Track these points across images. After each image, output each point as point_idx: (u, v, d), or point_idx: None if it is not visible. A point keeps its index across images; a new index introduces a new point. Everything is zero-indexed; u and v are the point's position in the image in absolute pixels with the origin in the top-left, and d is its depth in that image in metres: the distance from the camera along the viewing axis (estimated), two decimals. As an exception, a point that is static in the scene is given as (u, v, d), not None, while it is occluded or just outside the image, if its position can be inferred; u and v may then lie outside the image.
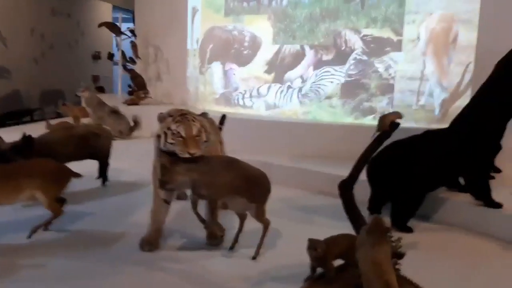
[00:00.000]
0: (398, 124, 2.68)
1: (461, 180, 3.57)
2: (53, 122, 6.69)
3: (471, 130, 3.28)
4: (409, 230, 3.25)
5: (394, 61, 5.14)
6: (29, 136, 3.60)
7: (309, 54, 5.63)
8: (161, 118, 2.60)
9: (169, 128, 2.53)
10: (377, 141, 2.71)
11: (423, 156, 3.28)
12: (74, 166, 3.45)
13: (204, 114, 2.72)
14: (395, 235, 2.18)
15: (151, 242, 2.85)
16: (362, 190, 3.07)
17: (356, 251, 1.86)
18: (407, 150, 3.34)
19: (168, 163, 2.45)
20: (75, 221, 3.31)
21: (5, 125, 7.30)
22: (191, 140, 2.49)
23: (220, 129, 3.85)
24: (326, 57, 5.50)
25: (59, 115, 7.76)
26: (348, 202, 2.49)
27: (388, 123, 2.64)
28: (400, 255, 1.96)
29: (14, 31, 8.71)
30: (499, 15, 4.51)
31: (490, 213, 3.29)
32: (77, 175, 3.21)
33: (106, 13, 12.03)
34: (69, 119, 6.86)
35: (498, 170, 4.05)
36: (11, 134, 4.11)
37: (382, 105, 5.20)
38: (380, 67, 5.21)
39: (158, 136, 2.57)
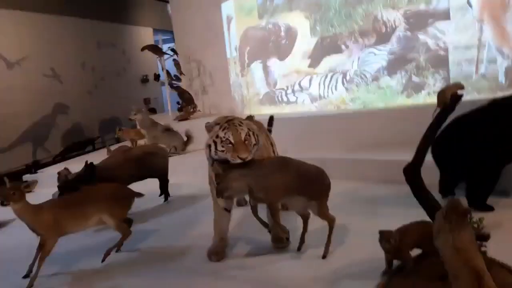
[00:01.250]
0: (460, 96, 2.45)
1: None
2: (113, 147, 7.02)
3: None
4: (490, 208, 2.98)
5: (443, 31, 4.79)
6: (91, 164, 3.76)
7: (350, 39, 5.42)
8: (209, 128, 2.58)
9: (217, 136, 2.51)
10: (440, 117, 2.49)
11: (494, 127, 2.99)
12: (137, 186, 3.57)
13: (250, 118, 2.68)
14: (476, 215, 1.99)
15: (217, 252, 2.85)
16: (429, 173, 2.85)
17: (434, 238, 1.70)
18: (475, 123, 3.06)
19: (222, 170, 2.42)
20: (144, 239, 3.40)
21: (70, 156, 7.77)
22: (241, 145, 2.45)
23: (270, 131, 3.79)
24: (368, 40, 5.26)
25: (118, 141, 8.12)
26: (417, 187, 2.31)
27: (449, 96, 2.42)
28: (484, 237, 1.77)
29: (67, 68, 9.28)
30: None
31: None
32: (139, 195, 3.29)
33: (147, 37, 12.48)
34: (128, 143, 7.15)
35: None
36: (77, 165, 4.35)
37: (437, 78, 4.86)
38: (427, 39, 4.88)
39: (209, 146, 2.56)
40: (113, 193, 3.06)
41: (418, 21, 4.90)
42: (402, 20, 4.99)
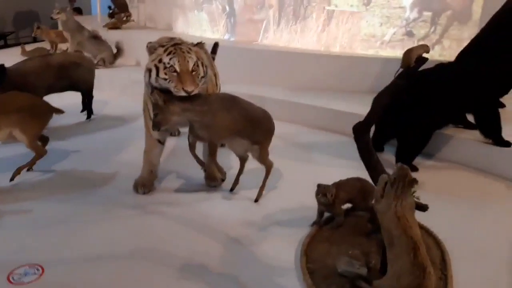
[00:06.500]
0: (425, 59, 2.38)
1: (470, 118, 3.39)
2: (29, 47, 6.19)
3: (478, 66, 3.02)
4: (415, 168, 3.11)
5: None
6: (2, 66, 3.21)
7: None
8: (151, 49, 2.24)
9: (160, 61, 2.20)
10: (402, 78, 2.42)
11: (434, 90, 3.04)
12: (55, 97, 3.14)
13: (200, 45, 2.37)
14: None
15: (145, 184, 2.67)
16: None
17: (376, 202, 1.69)
18: (416, 83, 3.08)
19: (162, 102, 2.15)
20: (61, 161, 3.08)
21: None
22: (187, 76, 2.17)
23: (213, 58, 3.50)
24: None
25: (35, 40, 7.17)
26: (365, 147, 2.26)
27: (414, 58, 2.34)
28: (423, 208, 1.80)
29: None
30: None
31: (497, 152, 3.15)
32: (59, 111, 2.91)
33: None
34: (46, 44, 6.33)
35: (502, 105, 3.86)
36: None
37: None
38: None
39: (149, 71, 2.24)
40: (28, 105, 2.65)
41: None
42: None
